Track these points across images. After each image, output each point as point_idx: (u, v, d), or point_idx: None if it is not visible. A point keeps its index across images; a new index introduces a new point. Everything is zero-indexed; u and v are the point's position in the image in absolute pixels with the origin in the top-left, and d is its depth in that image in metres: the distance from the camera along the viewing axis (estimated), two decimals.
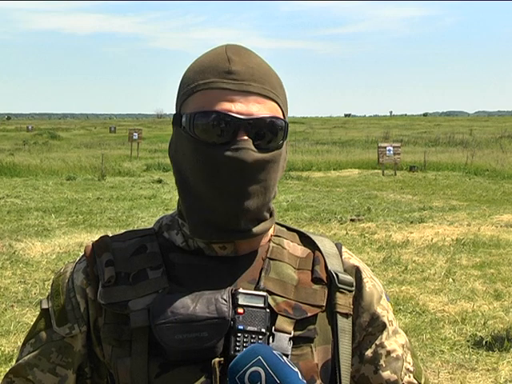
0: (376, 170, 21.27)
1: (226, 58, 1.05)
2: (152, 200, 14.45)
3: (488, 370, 5.01)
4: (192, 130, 1.03)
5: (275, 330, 1.03)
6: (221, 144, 1.01)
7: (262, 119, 1.02)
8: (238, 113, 1.01)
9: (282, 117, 1.06)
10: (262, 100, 1.04)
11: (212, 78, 1.03)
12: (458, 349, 5.44)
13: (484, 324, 5.98)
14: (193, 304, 1.01)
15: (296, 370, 0.95)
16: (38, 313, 1.15)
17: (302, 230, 1.20)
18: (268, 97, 1.04)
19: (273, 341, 1.02)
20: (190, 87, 1.06)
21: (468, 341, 5.60)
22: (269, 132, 1.03)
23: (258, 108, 1.03)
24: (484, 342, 5.48)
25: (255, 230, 1.07)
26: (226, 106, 1.01)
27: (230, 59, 1.05)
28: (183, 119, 1.05)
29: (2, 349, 5.24)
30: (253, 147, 1.01)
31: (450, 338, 5.68)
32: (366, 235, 10.10)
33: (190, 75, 1.07)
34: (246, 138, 1.01)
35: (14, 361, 1.13)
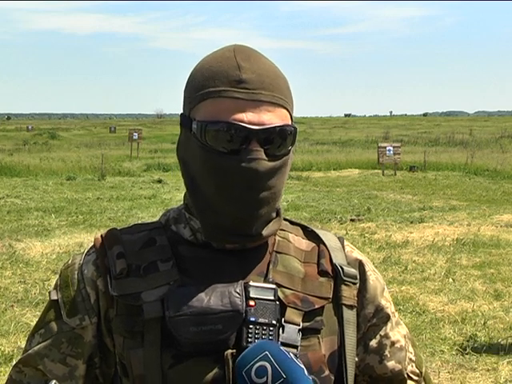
0: (376, 170, 21.28)
1: (236, 64, 1.05)
2: (152, 200, 14.46)
3: (488, 370, 5.01)
4: (204, 138, 1.04)
5: (285, 322, 1.06)
6: (232, 153, 1.03)
7: (274, 128, 1.04)
8: (249, 122, 1.02)
9: (290, 122, 1.08)
10: (273, 108, 1.05)
11: (223, 86, 1.04)
12: (458, 349, 5.44)
13: (484, 324, 5.98)
14: (206, 297, 1.03)
15: (302, 366, 0.97)
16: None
17: (304, 223, 1.22)
18: (278, 104, 1.06)
19: (283, 332, 1.05)
20: (200, 93, 1.06)
21: (468, 341, 5.59)
22: (279, 139, 1.05)
23: (269, 117, 1.04)
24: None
25: (265, 233, 1.10)
26: (238, 116, 1.03)
27: (240, 66, 1.05)
28: (194, 126, 1.06)
29: (2, 349, 5.22)
30: (264, 156, 1.03)
31: (450, 338, 5.68)
32: (366, 235, 10.10)
33: (200, 80, 1.07)
34: (258, 147, 1.03)
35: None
